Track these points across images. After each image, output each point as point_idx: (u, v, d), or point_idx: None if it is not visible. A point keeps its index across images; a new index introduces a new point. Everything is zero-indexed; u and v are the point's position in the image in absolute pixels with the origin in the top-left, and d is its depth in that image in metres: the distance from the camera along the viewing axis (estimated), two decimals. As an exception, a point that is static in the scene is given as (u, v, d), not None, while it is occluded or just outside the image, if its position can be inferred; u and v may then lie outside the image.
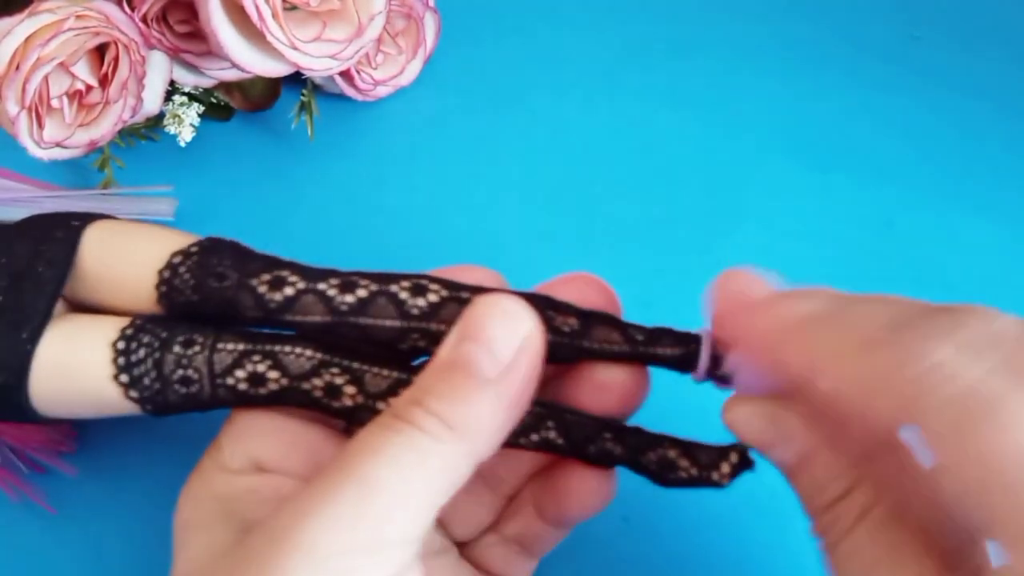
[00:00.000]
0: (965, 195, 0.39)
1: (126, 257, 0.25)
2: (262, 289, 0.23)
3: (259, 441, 0.23)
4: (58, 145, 0.31)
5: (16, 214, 0.31)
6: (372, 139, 0.38)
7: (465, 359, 0.20)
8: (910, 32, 0.43)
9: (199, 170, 0.37)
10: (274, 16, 0.31)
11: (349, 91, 0.38)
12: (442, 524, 0.25)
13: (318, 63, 0.33)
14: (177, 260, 0.24)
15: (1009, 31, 0.43)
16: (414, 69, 0.39)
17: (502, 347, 0.20)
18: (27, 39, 0.29)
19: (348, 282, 0.23)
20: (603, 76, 0.41)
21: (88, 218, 0.25)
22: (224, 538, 0.21)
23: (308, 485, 0.19)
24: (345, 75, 0.37)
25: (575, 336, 0.23)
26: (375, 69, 0.38)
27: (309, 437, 0.24)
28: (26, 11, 0.29)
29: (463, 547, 0.25)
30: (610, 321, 0.23)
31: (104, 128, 0.32)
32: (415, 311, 0.23)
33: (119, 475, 0.30)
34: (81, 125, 0.32)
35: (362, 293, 0.23)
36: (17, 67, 0.29)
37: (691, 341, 0.23)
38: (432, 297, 0.23)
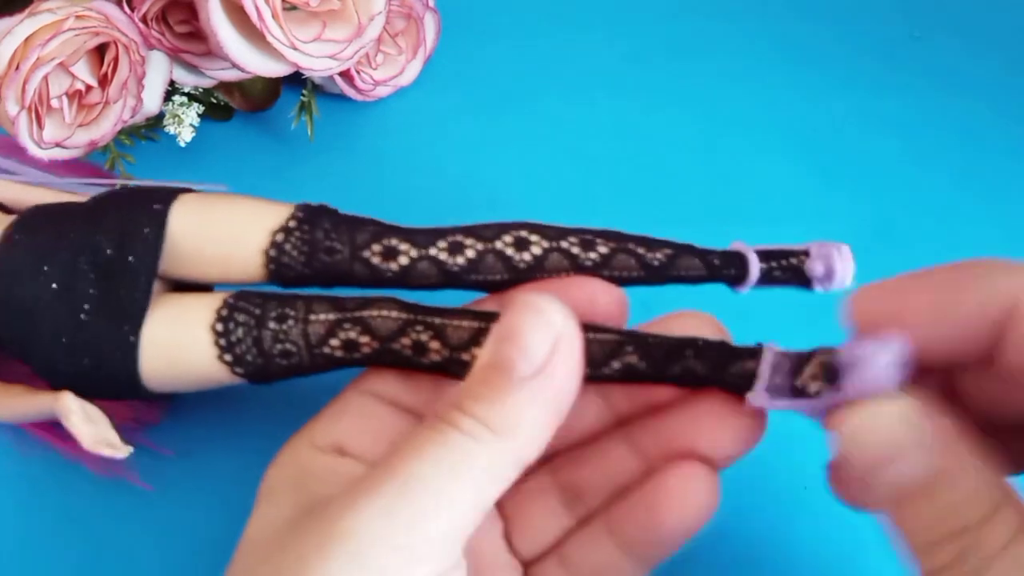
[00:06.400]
0: (965, 195, 0.39)
1: (224, 239, 0.25)
2: (376, 260, 0.25)
3: (348, 425, 0.24)
4: (58, 145, 0.31)
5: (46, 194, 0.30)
6: (372, 139, 0.38)
7: (501, 360, 0.20)
8: (910, 32, 0.43)
9: (199, 170, 0.37)
10: (274, 16, 0.31)
11: (349, 91, 0.38)
12: (508, 538, 0.25)
13: (318, 63, 0.33)
14: (280, 238, 0.25)
15: (1009, 31, 0.43)
16: (414, 69, 0.39)
17: (536, 346, 0.20)
18: (27, 39, 0.29)
19: (455, 243, 0.24)
20: (603, 76, 0.41)
21: (169, 197, 0.26)
22: (287, 513, 0.21)
23: (360, 478, 0.20)
24: (345, 75, 0.37)
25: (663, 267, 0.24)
26: (375, 69, 0.38)
27: (399, 429, 0.24)
28: (26, 11, 0.29)
29: (526, 570, 0.25)
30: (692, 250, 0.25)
31: (104, 128, 0.32)
32: (522, 265, 0.24)
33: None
34: (81, 125, 0.32)
35: (471, 254, 0.24)
36: (17, 67, 0.29)
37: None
38: (535, 250, 0.24)
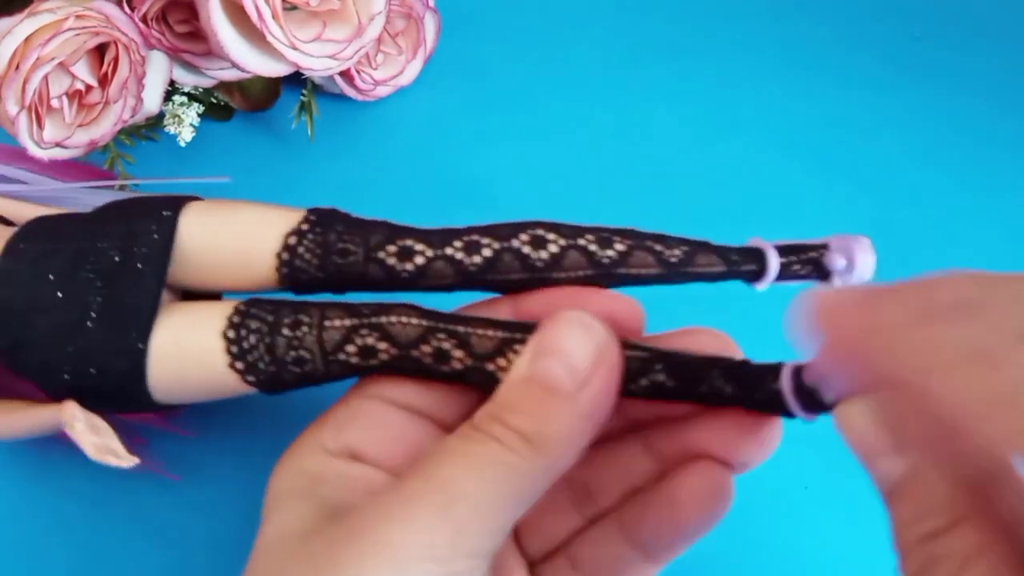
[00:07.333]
0: (966, 193, 0.39)
1: (236, 244, 0.25)
2: (391, 261, 0.24)
3: (361, 430, 0.23)
4: (58, 145, 0.31)
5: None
6: (372, 139, 0.38)
7: (543, 374, 0.20)
8: (910, 32, 0.43)
9: (199, 170, 0.37)
10: (274, 16, 0.31)
11: (349, 91, 0.38)
12: (517, 539, 0.25)
13: (318, 63, 0.33)
14: (293, 241, 0.25)
15: (1009, 31, 0.43)
16: (414, 69, 0.39)
17: (579, 360, 0.20)
18: (27, 39, 0.29)
19: (471, 243, 0.24)
20: (603, 76, 0.41)
21: (177, 204, 0.25)
22: (307, 518, 0.21)
23: (393, 487, 0.20)
24: (345, 75, 0.37)
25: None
26: (375, 69, 0.38)
27: (413, 434, 0.24)
28: (26, 11, 0.29)
29: (533, 568, 0.25)
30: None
31: (104, 128, 0.32)
32: (539, 264, 0.24)
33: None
34: (81, 125, 0.32)
35: (487, 253, 0.24)
36: (17, 67, 0.29)
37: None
38: (553, 248, 0.24)
